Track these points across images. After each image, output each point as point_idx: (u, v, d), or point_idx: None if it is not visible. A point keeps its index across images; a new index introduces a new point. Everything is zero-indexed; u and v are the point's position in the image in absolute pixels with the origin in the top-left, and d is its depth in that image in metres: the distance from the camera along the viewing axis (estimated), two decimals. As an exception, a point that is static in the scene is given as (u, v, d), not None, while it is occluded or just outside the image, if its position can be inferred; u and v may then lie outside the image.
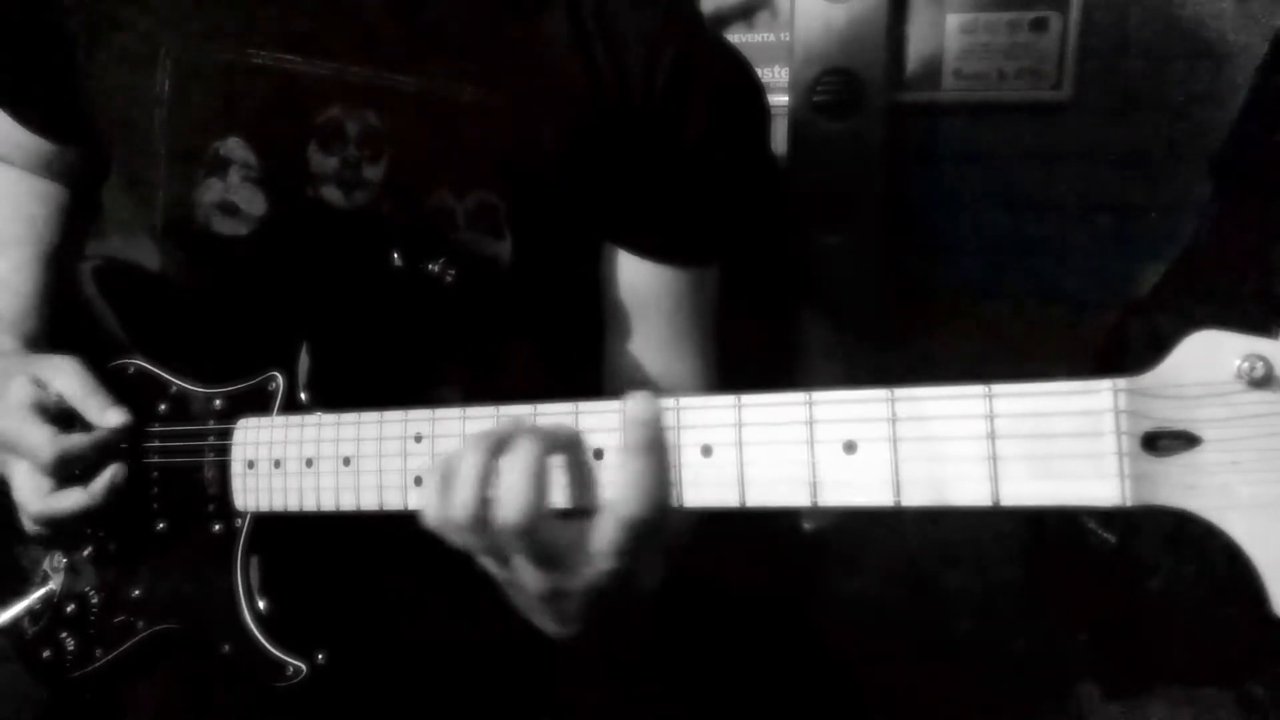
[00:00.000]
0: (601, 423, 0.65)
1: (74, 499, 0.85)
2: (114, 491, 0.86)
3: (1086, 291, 1.98)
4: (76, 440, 0.84)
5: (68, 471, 0.85)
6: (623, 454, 0.62)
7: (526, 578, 0.67)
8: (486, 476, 0.63)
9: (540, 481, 0.62)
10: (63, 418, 0.86)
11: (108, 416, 0.85)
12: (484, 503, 0.63)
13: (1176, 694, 1.65)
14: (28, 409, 0.84)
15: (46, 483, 0.85)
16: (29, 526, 0.88)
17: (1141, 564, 1.56)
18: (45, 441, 0.83)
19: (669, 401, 0.62)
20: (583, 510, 0.66)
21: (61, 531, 0.90)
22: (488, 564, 0.69)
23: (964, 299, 2.03)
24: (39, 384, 0.86)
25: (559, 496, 0.66)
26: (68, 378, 0.87)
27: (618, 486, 0.62)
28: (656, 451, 0.62)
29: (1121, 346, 1.62)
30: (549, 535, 0.64)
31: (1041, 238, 2.01)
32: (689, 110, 0.91)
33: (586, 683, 0.94)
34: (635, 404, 0.62)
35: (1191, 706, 1.63)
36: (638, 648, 0.91)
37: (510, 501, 0.62)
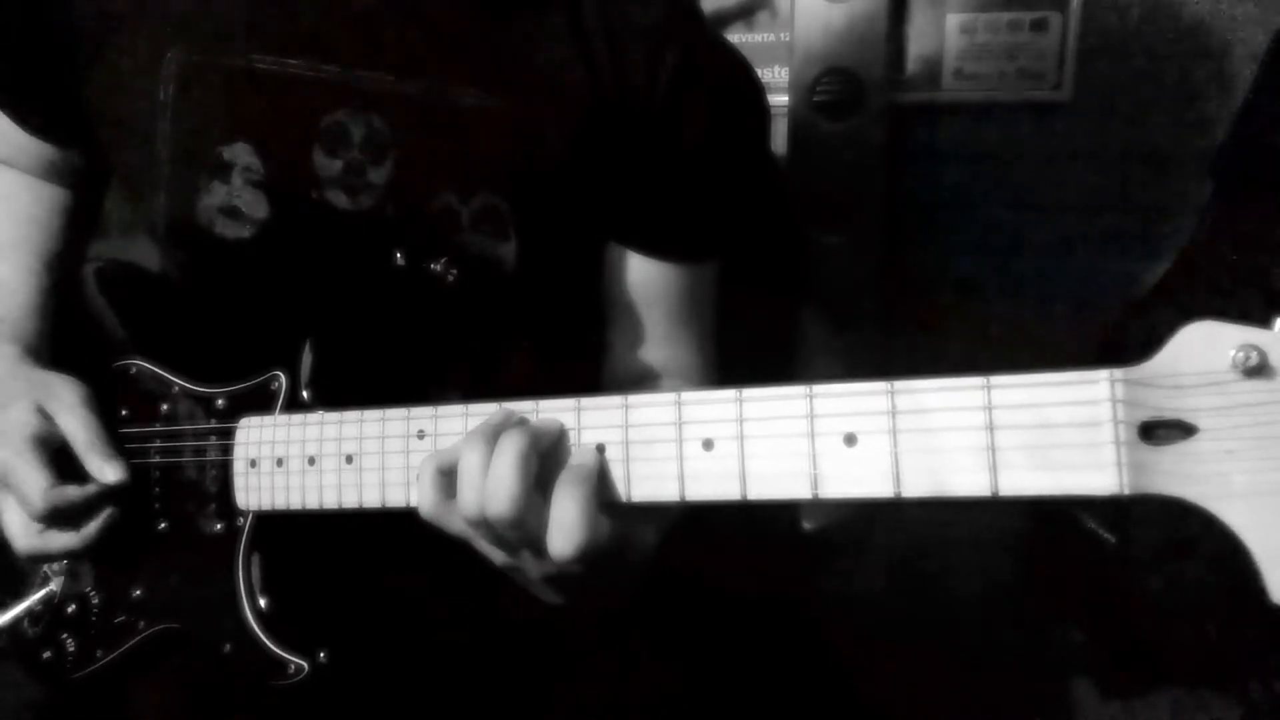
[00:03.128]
0: (603, 419, 0.65)
1: (64, 541, 0.85)
2: (106, 536, 0.86)
3: (1086, 291, 1.98)
4: (70, 494, 0.83)
5: (58, 520, 0.85)
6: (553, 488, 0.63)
7: (529, 564, 0.67)
8: (487, 471, 0.63)
9: (527, 473, 0.62)
10: (61, 457, 0.85)
11: (106, 472, 0.84)
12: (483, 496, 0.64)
13: (1176, 693, 1.65)
14: (28, 442, 0.83)
15: (36, 524, 0.85)
16: (19, 558, 0.88)
17: (1141, 563, 1.56)
18: (38, 492, 0.82)
19: (669, 395, 0.63)
20: None
21: (52, 563, 0.91)
22: (488, 550, 0.69)
23: (964, 298, 2.03)
24: (43, 415, 0.86)
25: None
26: (73, 418, 0.85)
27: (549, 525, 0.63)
28: (585, 483, 0.62)
29: (1121, 345, 1.62)
30: (542, 525, 0.64)
31: (1041, 238, 2.01)
32: (690, 110, 0.91)
33: (587, 649, 0.94)
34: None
35: (1191, 706, 1.63)
36: (635, 603, 0.91)
37: (498, 494, 0.62)
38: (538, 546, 0.64)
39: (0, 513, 0.87)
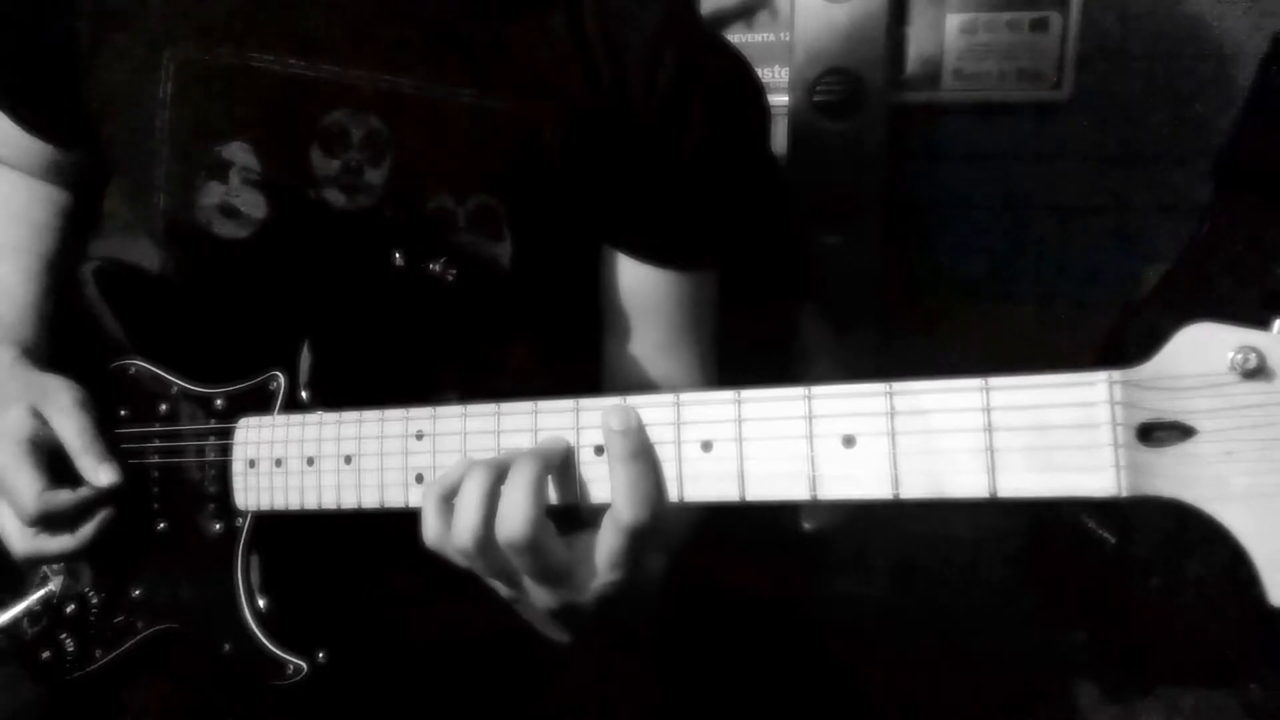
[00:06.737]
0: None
1: (60, 544, 0.85)
2: (101, 538, 0.86)
3: (1086, 291, 1.98)
4: (62, 499, 0.83)
5: (53, 524, 0.85)
6: (610, 464, 0.62)
7: (536, 596, 0.67)
8: (491, 498, 0.63)
9: (540, 497, 0.62)
10: (56, 459, 0.85)
11: (100, 475, 0.84)
12: (488, 523, 0.63)
13: (1176, 694, 1.65)
14: (22, 445, 0.84)
15: (32, 528, 0.85)
16: (16, 560, 0.89)
17: (1140, 563, 1.56)
18: (31, 495, 0.82)
19: (668, 396, 0.63)
20: (575, 512, 0.66)
21: (48, 565, 0.91)
22: (495, 585, 0.68)
23: (964, 299, 2.03)
24: (38, 418, 0.86)
25: (554, 497, 0.66)
26: (68, 421, 0.86)
27: (613, 495, 0.62)
28: (642, 457, 0.62)
29: (1121, 346, 1.62)
30: (552, 552, 0.64)
31: (1041, 238, 2.01)
32: (690, 114, 0.90)
33: (590, 677, 0.94)
34: (611, 417, 0.62)
35: (1191, 707, 1.63)
36: (642, 640, 0.91)
37: (512, 517, 0.62)
38: (548, 575, 0.64)
39: None
